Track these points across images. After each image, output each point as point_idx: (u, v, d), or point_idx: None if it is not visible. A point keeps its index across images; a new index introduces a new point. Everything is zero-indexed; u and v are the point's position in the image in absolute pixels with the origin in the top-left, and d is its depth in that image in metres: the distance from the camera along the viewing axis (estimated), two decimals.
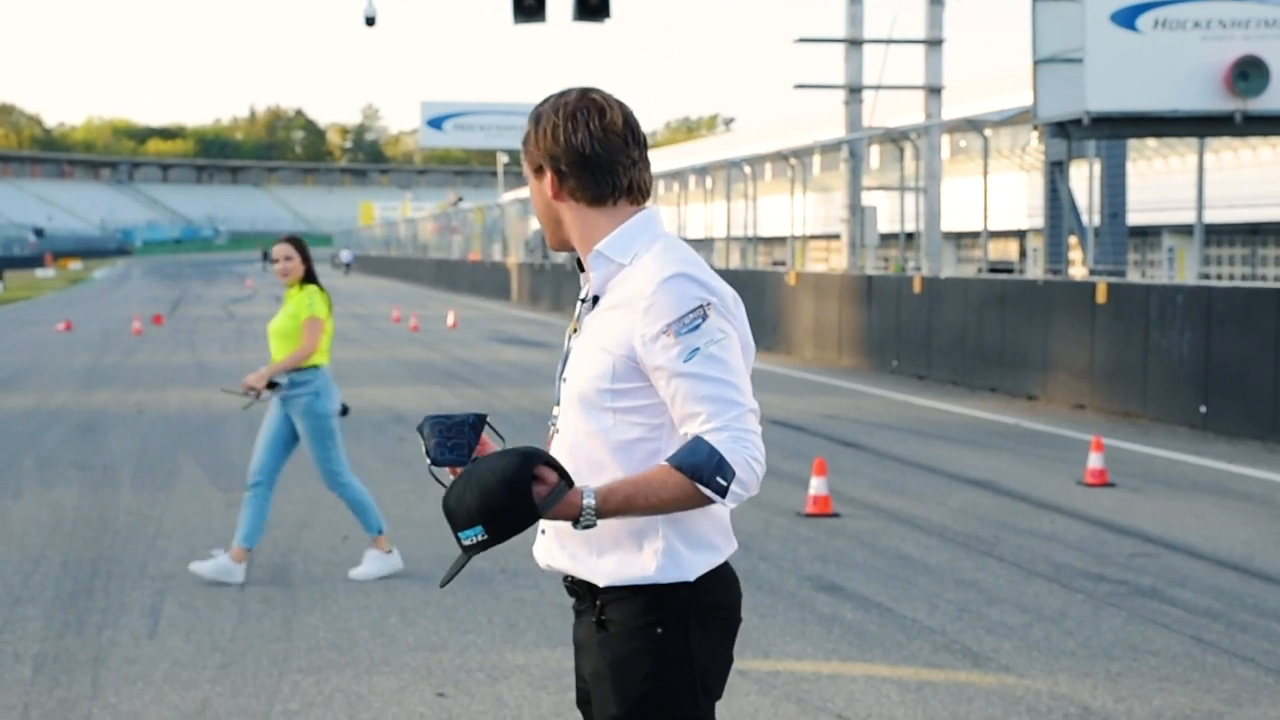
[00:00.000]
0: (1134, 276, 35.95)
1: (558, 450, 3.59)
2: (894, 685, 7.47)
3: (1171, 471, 14.63)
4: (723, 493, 3.34)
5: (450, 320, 40.92)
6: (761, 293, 31.49)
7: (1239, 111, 21.25)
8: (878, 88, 32.87)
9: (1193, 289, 18.22)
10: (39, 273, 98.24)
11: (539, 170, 3.60)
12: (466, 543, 3.32)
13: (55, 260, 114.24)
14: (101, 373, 25.47)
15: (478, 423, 3.48)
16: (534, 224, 77.55)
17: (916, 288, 24.57)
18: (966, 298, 23.19)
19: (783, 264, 52.45)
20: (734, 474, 3.35)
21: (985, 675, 7.66)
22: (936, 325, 23.86)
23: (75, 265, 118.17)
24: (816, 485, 12.07)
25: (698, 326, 3.41)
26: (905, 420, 18.80)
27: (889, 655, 8.01)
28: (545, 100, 3.61)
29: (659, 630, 3.49)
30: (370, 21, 36.93)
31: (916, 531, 11.43)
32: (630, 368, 3.45)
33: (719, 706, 7.02)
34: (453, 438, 3.45)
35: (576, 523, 3.35)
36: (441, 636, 8.39)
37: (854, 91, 32.70)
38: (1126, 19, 20.98)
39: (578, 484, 3.40)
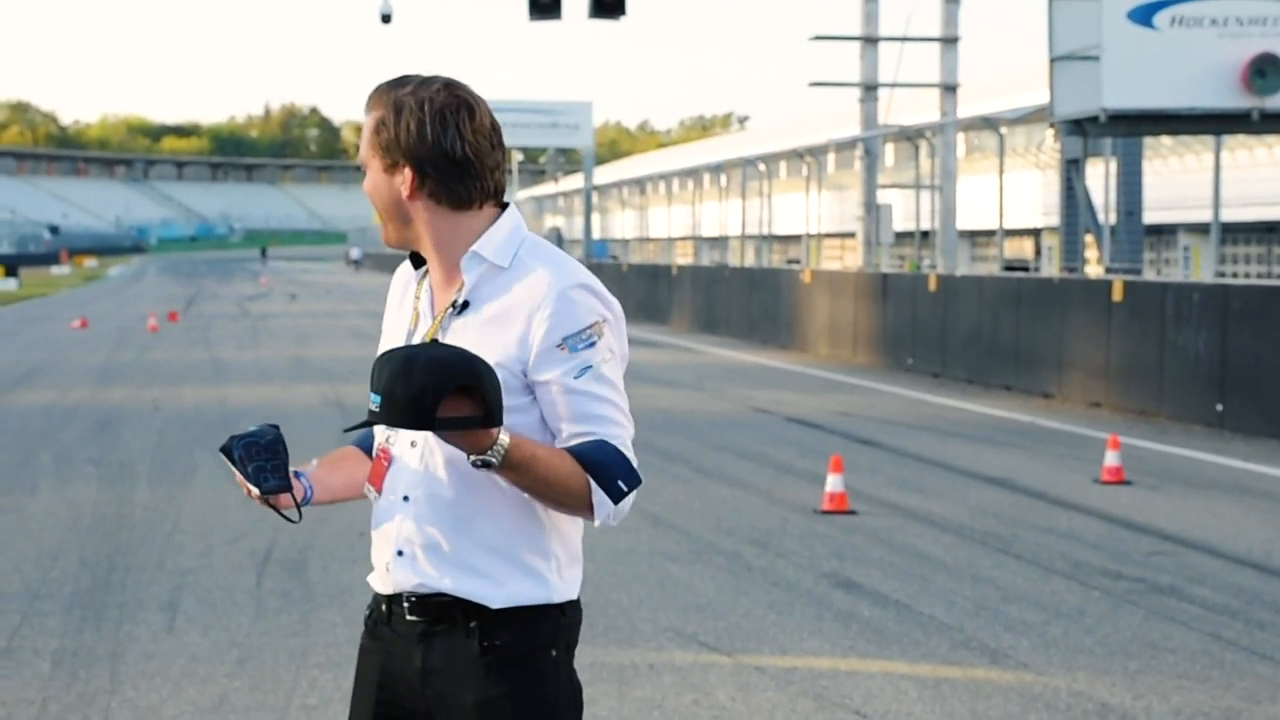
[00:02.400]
0: (1149, 275, 35.89)
1: (404, 469, 3.36)
2: (912, 682, 7.46)
3: (1188, 469, 14.61)
4: (617, 498, 3.22)
5: None
6: (776, 291, 31.49)
7: (1256, 109, 21.24)
8: (893, 85, 32.86)
9: (1209, 287, 18.20)
10: (54, 270, 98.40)
11: (394, 166, 3.31)
12: (371, 407, 3.08)
13: (70, 257, 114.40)
14: (117, 369, 25.50)
15: (281, 435, 3.33)
16: (549, 221, 77.73)
17: (932, 286, 24.55)
18: (982, 296, 23.16)
19: (797, 262, 52.43)
20: (638, 483, 3.26)
21: (1003, 672, 7.65)
22: (952, 323, 23.84)
23: (90, 263, 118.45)
24: (833, 482, 12.06)
25: (594, 343, 3.26)
26: (921, 418, 18.78)
27: (906, 652, 8.00)
28: (401, 85, 3.32)
29: (553, 653, 3.34)
30: (386, 19, 36.91)
31: (933, 529, 11.42)
32: (516, 384, 3.27)
33: (740, 702, 7.05)
34: (271, 458, 3.29)
35: (479, 458, 3.10)
36: None
37: (869, 89, 32.70)
38: (1143, 16, 20.97)
39: (451, 495, 3.29)
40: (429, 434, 3.24)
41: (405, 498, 3.35)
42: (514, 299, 3.30)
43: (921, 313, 24.87)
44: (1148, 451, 15.65)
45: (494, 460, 3.09)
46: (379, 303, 52.82)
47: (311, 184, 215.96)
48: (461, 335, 3.30)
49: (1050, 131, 44.73)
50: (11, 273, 70.01)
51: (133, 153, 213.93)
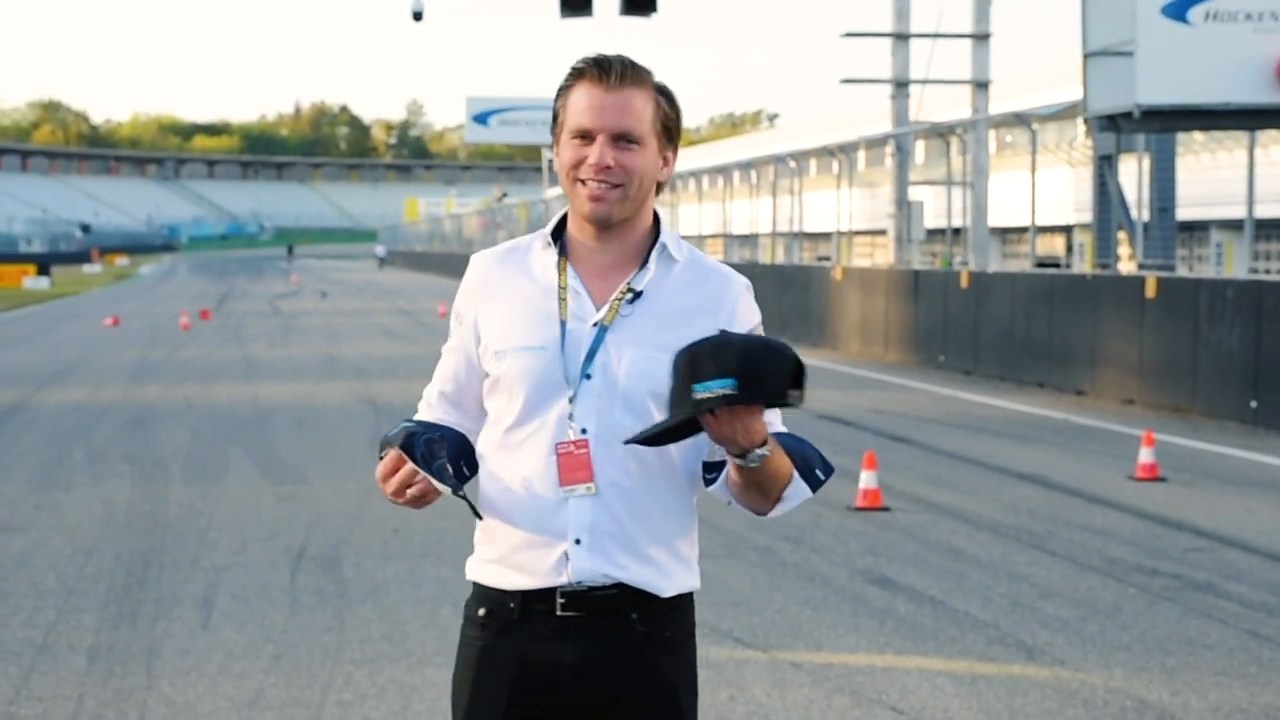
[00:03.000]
0: (1182, 271, 35.76)
1: (609, 459, 3.34)
2: (948, 678, 7.44)
3: (1223, 466, 14.54)
4: (816, 486, 3.33)
5: None
6: (808, 288, 31.45)
7: None
8: (924, 82, 32.79)
9: (1243, 283, 18.11)
10: (86, 268, 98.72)
11: (664, 146, 3.40)
12: (702, 395, 3.06)
13: (102, 256, 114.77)
14: (150, 367, 25.57)
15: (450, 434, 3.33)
16: None
17: (964, 283, 24.49)
18: (1014, 293, 23.10)
19: (827, 259, 52.34)
20: (832, 471, 3.38)
21: (1040, 669, 7.62)
22: (984, 320, 23.78)
23: (122, 261, 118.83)
24: (866, 479, 12.04)
25: None
26: (953, 415, 18.74)
27: (942, 648, 7.98)
28: (642, 68, 3.39)
29: (695, 639, 3.48)
30: (418, 16, 36.90)
31: (968, 526, 11.39)
32: None
33: (776, 698, 7.03)
34: (442, 456, 3.25)
35: (757, 451, 3.16)
36: None
37: (900, 86, 32.62)
38: (1178, 11, 20.88)
39: (629, 484, 3.34)
40: (606, 423, 3.30)
41: (586, 487, 3.32)
42: (698, 294, 3.41)
43: (953, 309, 24.81)
44: (1182, 448, 15.59)
45: (767, 452, 3.18)
46: (409, 301, 53.00)
47: (342, 182, 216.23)
48: (639, 323, 3.36)
49: (1082, 128, 44.61)
50: (44, 271, 70.27)
51: (164, 151, 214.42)
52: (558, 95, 3.43)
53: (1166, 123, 22.21)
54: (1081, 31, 22.25)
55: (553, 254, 3.44)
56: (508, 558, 3.39)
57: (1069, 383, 21.21)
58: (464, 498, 3.25)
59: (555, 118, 3.44)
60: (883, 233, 48.84)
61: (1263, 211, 37.36)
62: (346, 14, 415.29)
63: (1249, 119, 21.70)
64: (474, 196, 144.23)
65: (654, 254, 3.40)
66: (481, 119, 72.94)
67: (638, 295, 3.37)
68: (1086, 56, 22.20)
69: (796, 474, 3.29)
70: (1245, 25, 21.03)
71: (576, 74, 3.38)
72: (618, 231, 3.39)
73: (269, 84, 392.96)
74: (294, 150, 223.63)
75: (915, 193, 34.35)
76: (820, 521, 11.42)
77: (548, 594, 3.34)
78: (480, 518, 3.38)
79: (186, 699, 7.19)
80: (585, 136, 3.34)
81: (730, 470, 3.28)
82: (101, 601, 9.09)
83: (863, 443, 15.45)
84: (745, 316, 3.42)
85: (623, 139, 3.33)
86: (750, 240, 51.98)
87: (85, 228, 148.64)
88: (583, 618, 3.33)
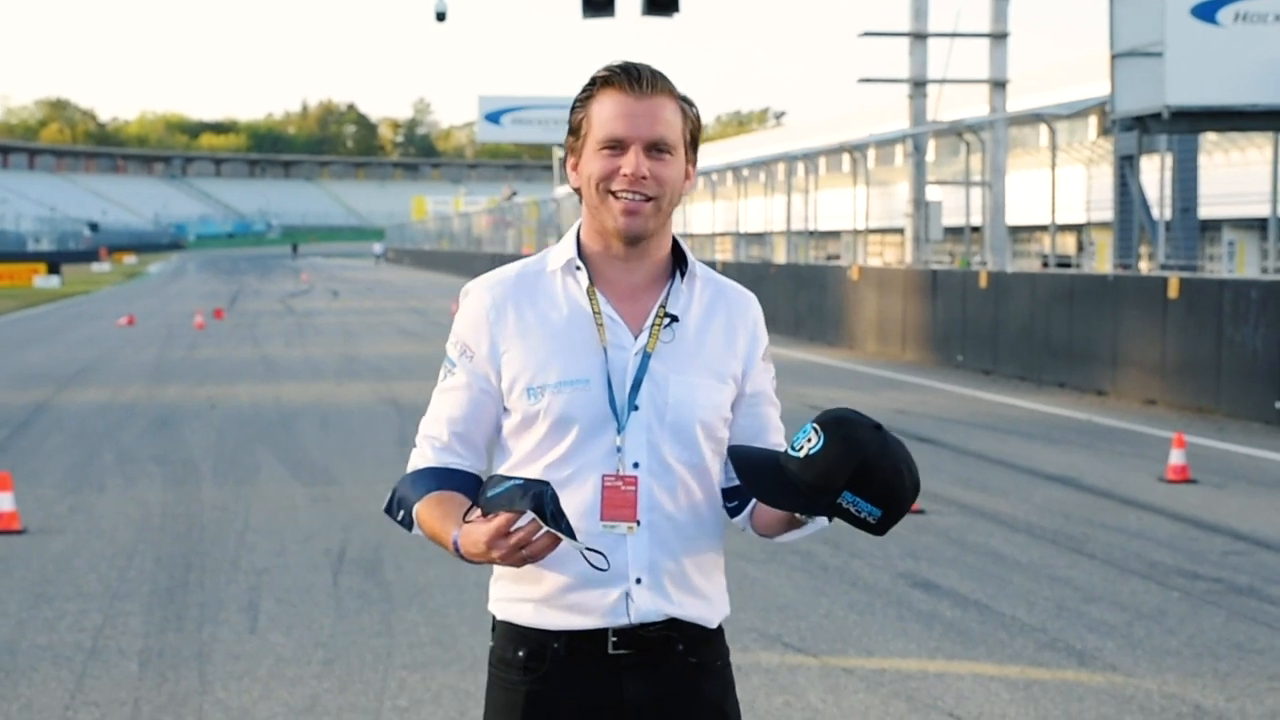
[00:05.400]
0: (1206, 271, 35.72)
1: (663, 492, 3.23)
2: (1002, 684, 7.44)
3: (1251, 468, 14.54)
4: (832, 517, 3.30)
5: None
6: (823, 287, 31.44)
7: None
8: (942, 81, 32.77)
9: (1268, 284, 18.10)
10: (95, 267, 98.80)
11: (689, 156, 3.29)
12: (845, 507, 3.05)
13: (110, 254, 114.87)
14: (169, 367, 25.58)
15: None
16: None
17: (982, 282, 24.47)
18: (1034, 292, 23.09)
19: (837, 258, 52.33)
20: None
21: (1093, 674, 7.62)
22: (1003, 320, 23.77)
23: (130, 259, 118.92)
24: None
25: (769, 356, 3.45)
26: (976, 415, 18.73)
27: (993, 653, 7.98)
28: (663, 75, 3.25)
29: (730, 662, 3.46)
30: (441, 17, 36.95)
31: (1003, 528, 11.38)
32: (733, 397, 3.33)
33: (832, 705, 7.03)
34: (563, 510, 3.01)
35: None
36: None
37: (918, 86, 32.61)
38: (1207, 12, 20.84)
39: (680, 519, 3.28)
40: (657, 455, 3.23)
41: (638, 524, 3.22)
42: (723, 314, 3.34)
43: (972, 309, 24.79)
44: (1209, 449, 15.58)
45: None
46: (421, 300, 52.96)
47: (349, 180, 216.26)
48: (679, 349, 3.27)
49: (1094, 127, 44.58)
50: (54, 270, 70.27)
51: (171, 150, 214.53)
52: (576, 106, 3.29)
53: (1195, 123, 22.17)
54: (1109, 32, 22.20)
55: (578, 278, 3.30)
56: (555, 598, 3.24)
57: (1090, 383, 21.20)
58: (595, 551, 3.08)
59: (575, 130, 3.29)
60: (895, 231, 48.83)
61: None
62: (353, 13, 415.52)
63: (1277, 120, 21.65)
64: (482, 195, 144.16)
65: (683, 275, 3.31)
66: (494, 117, 72.86)
67: (674, 319, 3.27)
68: (1115, 57, 22.15)
69: None
70: (1275, 26, 20.99)
71: (602, 82, 3.25)
72: (645, 248, 3.28)
73: (276, 82, 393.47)
74: (301, 148, 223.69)
75: (931, 192, 34.33)
76: None
77: (598, 633, 3.23)
78: (605, 569, 3.14)
79: (242, 704, 7.20)
80: (617, 146, 3.21)
81: (772, 512, 3.23)
82: (146, 605, 9.10)
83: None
84: (762, 336, 3.40)
85: (656, 148, 3.21)
86: (763, 238, 51.93)
87: (93, 226, 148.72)
88: (634, 654, 3.24)
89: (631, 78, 3.20)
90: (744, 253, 46.29)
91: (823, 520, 3.17)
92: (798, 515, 3.16)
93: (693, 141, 3.28)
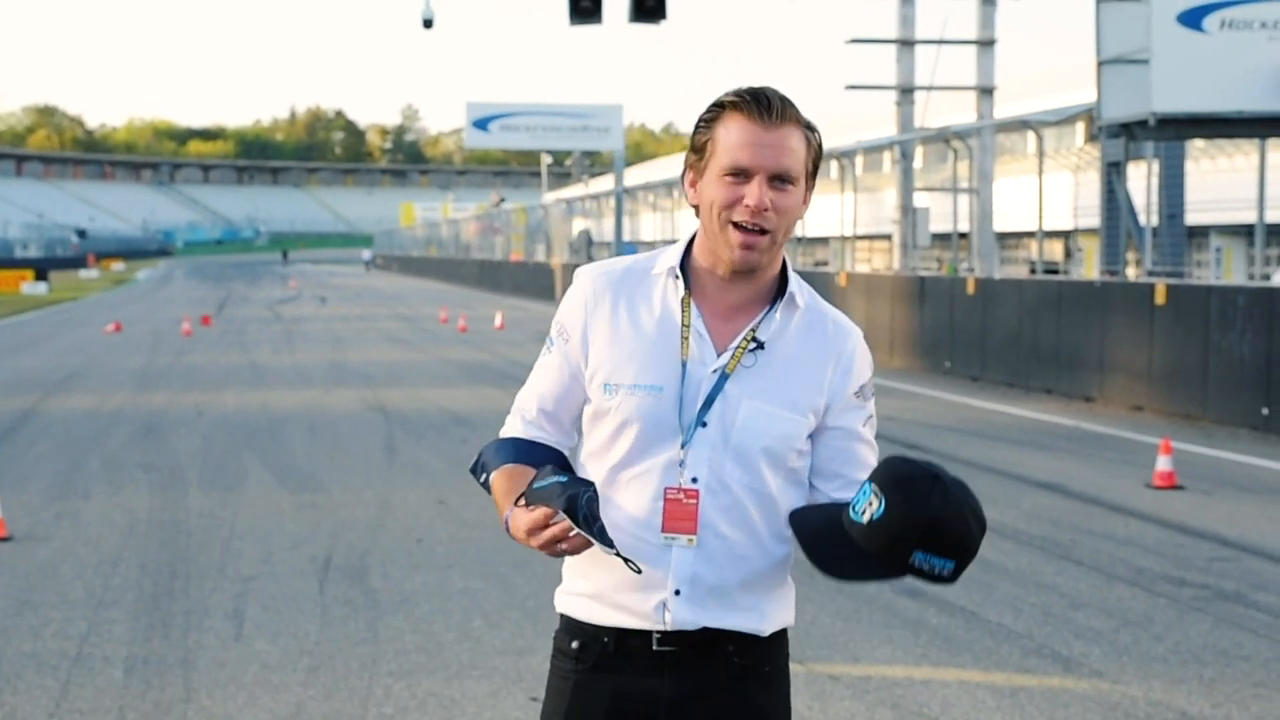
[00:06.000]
0: (1192, 278, 35.80)
1: (716, 510, 3.26)
2: (988, 690, 7.43)
3: (1239, 474, 14.55)
4: None
5: (498, 321, 40.91)
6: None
7: None
8: (929, 88, 32.81)
9: (1254, 290, 18.13)
10: (82, 273, 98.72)
11: (809, 185, 3.29)
12: (919, 565, 3.03)
13: (98, 261, 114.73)
14: (156, 374, 25.55)
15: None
16: (577, 225, 77.71)
17: (970, 289, 24.49)
18: (1022, 299, 23.11)
19: (825, 264, 52.37)
20: None
21: (1079, 680, 7.62)
22: (991, 326, 23.78)
23: (118, 266, 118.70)
24: None
25: (872, 394, 3.41)
26: (964, 422, 18.74)
27: (979, 660, 7.97)
28: (790, 102, 3.26)
29: (789, 671, 3.45)
30: (428, 24, 36.93)
31: (991, 534, 11.34)
32: (809, 429, 3.32)
33: (818, 711, 7.03)
34: (598, 514, 3.06)
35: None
36: (528, 640, 8.37)
37: (906, 92, 32.64)
38: (1193, 19, 20.89)
39: (732, 534, 3.27)
40: (718, 473, 3.25)
41: (688, 539, 3.25)
42: (814, 343, 3.33)
43: (959, 316, 24.81)
44: (1196, 456, 15.59)
45: None
46: (410, 306, 52.95)
47: (337, 187, 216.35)
48: (760, 374, 3.27)
49: (1082, 133, 44.64)
50: (41, 276, 70.21)
51: (159, 156, 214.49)
52: (699, 126, 3.29)
53: (1181, 130, 22.21)
54: (1096, 39, 22.25)
55: (677, 287, 3.32)
56: (604, 595, 3.31)
57: (1077, 389, 21.22)
58: (625, 559, 3.10)
59: (699, 150, 3.28)
60: (882, 238, 48.86)
61: (1268, 216, 37.51)
62: (341, 20, 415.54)
63: (1264, 126, 21.69)
64: (470, 201, 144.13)
65: (781, 302, 3.31)
66: (481, 124, 72.77)
67: (760, 345, 3.27)
68: (1101, 64, 22.20)
69: None
70: (1260, 34, 21.05)
71: (730, 106, 3.24)
72: (758, 275, 3.29)
73: (264, 89, 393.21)
74: (289, 155, 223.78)
75: (919, 198, 34.36)
76: None
77: (643, 632, 3.29)
78: (639, 571, 3.17)
79: (227, 711, 7.18)
80: (741, 175, 3.21)
81: None
82: (131, 612, 9.08)
83: (878, 450, 15.43)
84: (861, 370, 3.36)
85: (779, 179, 3.21)
86: None
87: (81, 233, 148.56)
88: (679, 652, 3.28)
89: (761, 106, 3.21)
90: None
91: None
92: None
93: (815, 169, 3.30)
